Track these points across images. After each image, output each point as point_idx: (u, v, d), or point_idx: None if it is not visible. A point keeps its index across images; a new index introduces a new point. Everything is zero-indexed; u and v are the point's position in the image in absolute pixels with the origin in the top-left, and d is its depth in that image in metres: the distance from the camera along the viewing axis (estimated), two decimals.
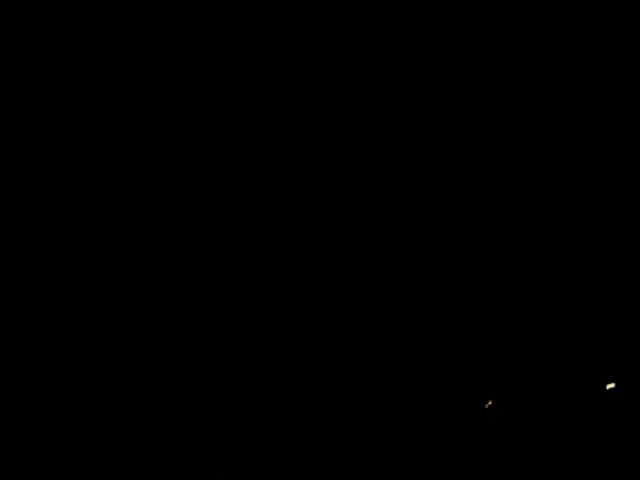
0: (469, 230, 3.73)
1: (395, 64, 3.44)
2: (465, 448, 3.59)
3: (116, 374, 3.69)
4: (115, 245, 3.69)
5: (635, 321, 3.57)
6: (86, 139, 3.54)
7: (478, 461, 3.57)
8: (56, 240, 3.64)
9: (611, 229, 3.61)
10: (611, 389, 3.49)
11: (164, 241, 3.73)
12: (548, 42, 3.30)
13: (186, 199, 3.69)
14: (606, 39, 3.27)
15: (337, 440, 3.68)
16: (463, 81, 3.46)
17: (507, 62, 3.39)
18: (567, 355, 3.63)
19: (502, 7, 3.21)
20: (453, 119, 3.57)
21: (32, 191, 3.57)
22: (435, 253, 3.77)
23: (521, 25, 3.26)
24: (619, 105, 3.44)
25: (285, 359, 3.79)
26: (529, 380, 3.63)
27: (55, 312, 3.66)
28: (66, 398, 3.64)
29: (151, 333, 3.74)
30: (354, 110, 3.56)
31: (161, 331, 3.75)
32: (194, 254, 3.75)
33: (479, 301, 3.75)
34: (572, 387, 3.59)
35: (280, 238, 3.77)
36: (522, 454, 3.55)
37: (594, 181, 3.58)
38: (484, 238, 3.73)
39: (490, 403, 3.54)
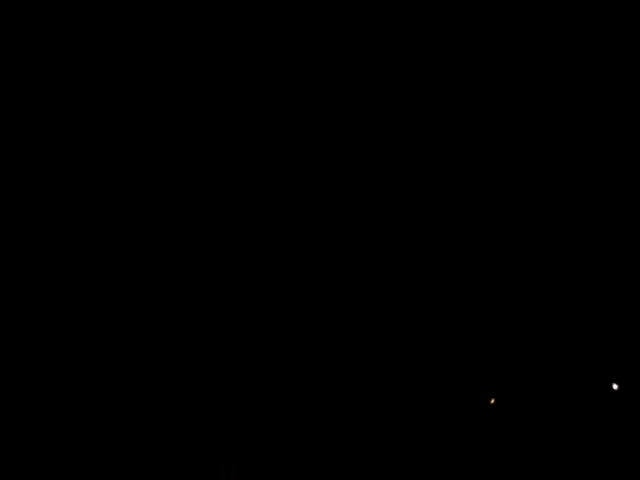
0: (469, 230, 3.75)
1: (395, 64, 3.48)
2: (465, 448, 3.57)
3: (116, 374, 3.68)
4: (115, 245, 3.70)
5: (635, 321, 3.57)
6: (86, 139, 3.57)
7: (478, 461, 3.55)
8: (56, 240, 3.65)
9: (611, 229, 3.63)
10: (614, 389, 3.48)
11: (164, 241, 3.74)
12: (548, 42, 3.35)
13: (186, 199, 3.71)
14: (606, 39, 3.32)
15: (337, 440, 3.65)
16: (463, 81, 3.50)
17: (507, 62, 3.43)
18: (569, 354, 3.62)
19: (502, 7, 3.26)
20: (453, 119, 3.60)
21: (32, 191, 3.59)
22: (435, 253, 3.78)
23: (521, 25, 3.31)
24: (619, 105, 3.48)
25: (285, 359, 3.78)
26: (531, 379, 3.62)
27: (55, 312, 3.66)
28: (66, 398, 3.62)
29: (151, 333, 3.73)
30: (354, 110, 3.60)
31: (161, 331, 3.74)
32: (194, 254, 3.76)
33: (479, 301, 3.75)
34: (573, 387, 3.58)
35: (280, 238, 3.78)
36: (522, 454, 3.52)
37: (594, 181, 3.61)
38: (484, 238, 3.74)
39: (493, 401, 3.52)
